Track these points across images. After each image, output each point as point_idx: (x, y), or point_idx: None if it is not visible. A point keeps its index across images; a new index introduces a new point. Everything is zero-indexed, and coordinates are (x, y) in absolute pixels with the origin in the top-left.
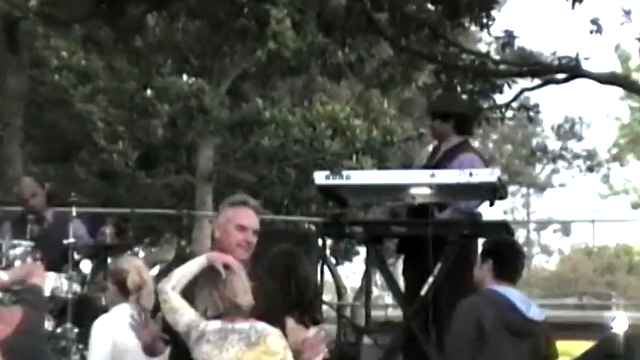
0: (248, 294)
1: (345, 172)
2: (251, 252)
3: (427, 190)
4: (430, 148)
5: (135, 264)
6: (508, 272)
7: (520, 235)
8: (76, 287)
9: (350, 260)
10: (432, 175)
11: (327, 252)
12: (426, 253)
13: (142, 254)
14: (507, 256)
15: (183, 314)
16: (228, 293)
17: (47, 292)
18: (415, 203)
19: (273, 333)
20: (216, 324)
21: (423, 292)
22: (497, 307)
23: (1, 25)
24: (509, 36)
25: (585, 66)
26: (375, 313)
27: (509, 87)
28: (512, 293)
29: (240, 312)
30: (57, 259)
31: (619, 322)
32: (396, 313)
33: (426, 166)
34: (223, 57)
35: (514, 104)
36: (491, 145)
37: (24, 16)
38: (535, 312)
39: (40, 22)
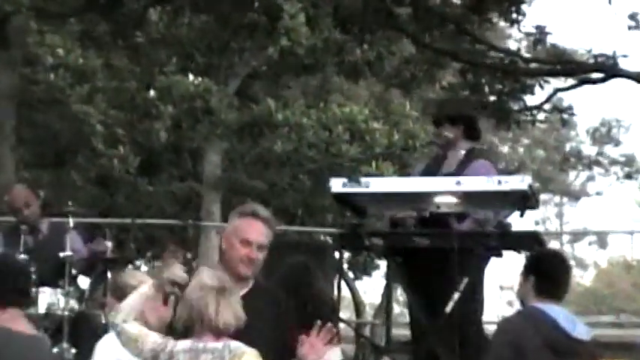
0: (225, 313)
1: (363, 180)
2: (257, 269)
3: (452, 199)
4: (462, 152)
5: (140, 278)
6: (551, 288)
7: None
8: (73, 304)
9: (369, 275)
10: (458, 183)
11: (345, 266)
12: (429, 266)
13: (144, 268)
14: (550, 272)
15: (145, 340)
16: (203, 310)
17: (42, 309)
18: (425, 214)
19: (248, 352)
20: (185, 344)
21: (448, 309)
22: (538, 325)
23: None
24: (541, 32)
25: (623, 64)
26: (397, 332)
27: (541, 87)
28: (555, 311)
29: (213, 330)
30: (52, 274)
31: None
32: None
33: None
34: (231, 54)
35: (546, 106)
36: (521, 150)
37: (16, 11)
38: (581, 330)
39: (34, 17)
